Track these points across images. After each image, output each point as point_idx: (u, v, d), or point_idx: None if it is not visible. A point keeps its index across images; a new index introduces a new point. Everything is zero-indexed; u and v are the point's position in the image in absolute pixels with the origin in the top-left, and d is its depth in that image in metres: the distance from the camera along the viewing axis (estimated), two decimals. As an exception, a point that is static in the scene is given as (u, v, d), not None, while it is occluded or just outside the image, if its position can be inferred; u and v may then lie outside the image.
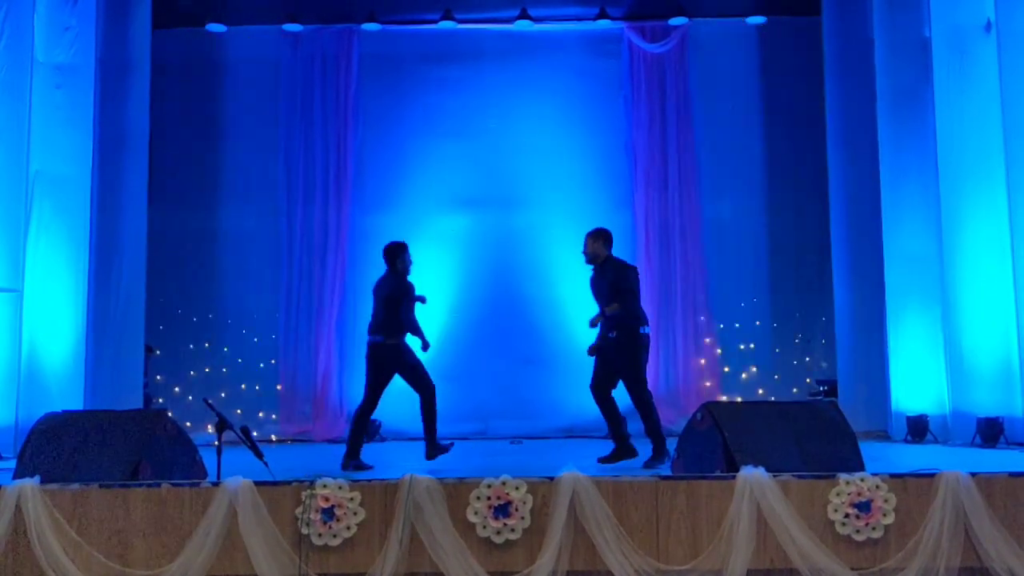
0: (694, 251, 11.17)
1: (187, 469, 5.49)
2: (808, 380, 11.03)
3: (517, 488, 4.79)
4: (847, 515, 4.77)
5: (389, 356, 7.20)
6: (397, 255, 7.38)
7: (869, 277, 9.96)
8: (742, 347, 11.20)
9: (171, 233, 11.29)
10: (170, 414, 5.72)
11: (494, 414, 10.64)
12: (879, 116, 9.77)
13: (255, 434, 6.43)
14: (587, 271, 7.28)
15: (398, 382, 7.34)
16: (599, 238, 7.23)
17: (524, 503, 4.77)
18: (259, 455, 5.49)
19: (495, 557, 4.76)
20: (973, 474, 4.84)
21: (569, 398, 9.53)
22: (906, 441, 9.12)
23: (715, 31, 11.54)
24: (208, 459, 5.63)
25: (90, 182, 9.39)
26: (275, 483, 4.88)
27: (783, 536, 4.74)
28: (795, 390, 11.05)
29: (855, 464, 5.22)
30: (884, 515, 4.76)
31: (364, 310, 11.03)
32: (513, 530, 4.75)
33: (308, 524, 4.72)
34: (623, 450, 6.88)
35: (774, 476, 4.85)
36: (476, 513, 4.77)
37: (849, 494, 4.78)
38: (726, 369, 11.14)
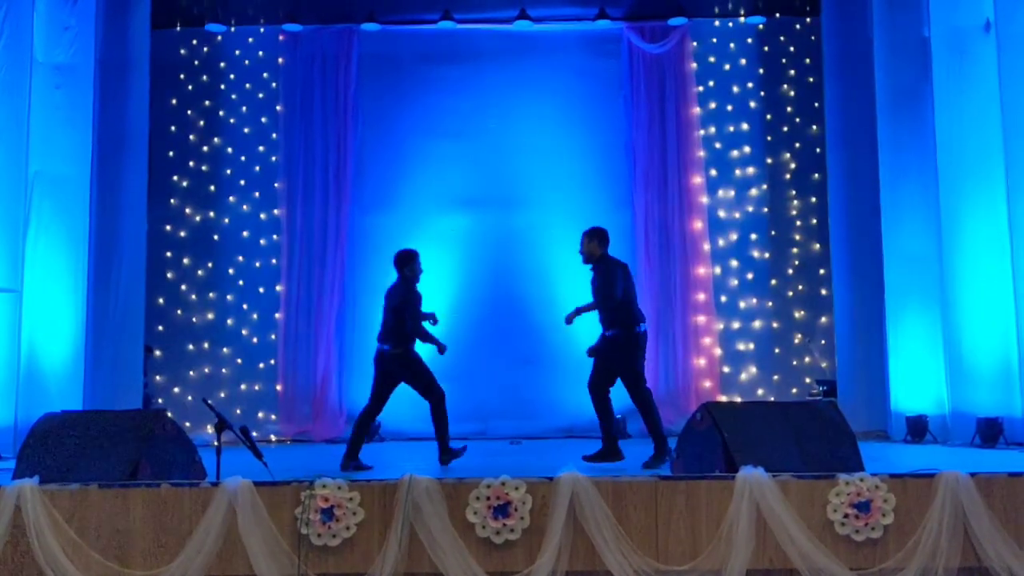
0: (693, 251, 11.17)
1: (186, 469, 5.49)
2: (807, 380, 11.03)
3: (516, 488, 4.79)
4: (846, 515, 4.77)
5: (396, 364, 7.23)
6: (406, 263, 7.38)
7: (869, 277, 9.97)
8: (742, 347, 11.21)
9: (170, 233, 11.31)
10: (169, 414, 5.72)
11: (494, 414, 10.64)
12: (879, 116, 9.77)
13: (254, 434, 6.44)
14: (586, 271, 7.29)
15: (402, 385, 7.35)
16: (595, 237, 7.23)
17: (523, 503, 4.77)
18: (258, 455, 5.48)
19: (494, 557, 4.76)
20: (972, 474, 4.84)
21: (569, 398, 9.53)
22: (905, 441, 9.12)
23: (715, 31, 11.57)
24: (207, 459, 5.63)
25: (89, 182, 9.40)
26: (274, 483, 4.87)
27: (782, 536, 4.74)
28: (794, 390, 11.06)
29: (854, 464, 5.21)
30: (883, 515, 4.76)
31: (364, 310, 11.13)
32: (512, 530, 4.75)
33: (307, 524, 4.72)
34: (610, 451, 6.88)
35: (773, 476, 4.85)
36: (475, 513, 4.76)
37: (848, 494, 4.78)
38: (725, 369, 11.15)
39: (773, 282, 11.28)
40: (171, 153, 11.39)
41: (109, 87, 9.90)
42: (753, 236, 11.34)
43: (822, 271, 11.08)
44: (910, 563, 4.73)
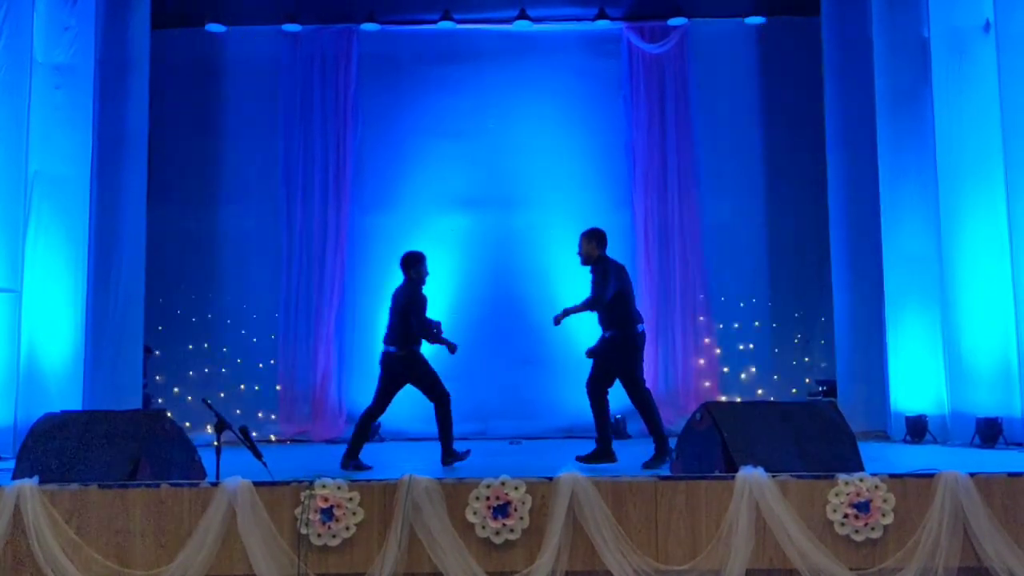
0: (693, 251, 11.18)
1: (186, 469, 5.50)
2: (807, 380, 11.04)
3: (516, 488, 4.79)
4: (846, 515, 4.77)
5: (401, 366, 7.25)
6: (412, 265, 7.41)
7: (868, 277, 9.97)
8: (741, 347, 11.20)
9: (170, 233, 11.29)
10: (169, 414, 5.73)
11: (493, 414, 10.64)
12: (878, 116, 9.77)
13: (254, 434, 6.43)
14: (586, 271, 7.29)
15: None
16: (593, 239, 7.24)
17: (523, 503, 4.77)
18: (258, 455, 5.49)
19: (494, 557, 4.77)
20: (972, 474, 4.84)
21: (568, 398, 9.52)
22: (905, 441, 9.12)
23: (714, 31, 11.55)
24: (207, 459, 5.63)
25: (89, 182, 9.40)
26: (274, 483, 4.88)
27: (782, 536, 4.74)
28: (794, 390, 11.06)
29: (854, 464, 5.22)
30: (883, 515, 4.76)
31: (364, 310, 11.15)
32: (512, 530, 4.75)
33: (307, 524, 4.72)
34: (603, 453, 6.88)
35: (773, 476, 4.85)
36: (475, 513, 4.77)
37: (848, 494, 4.78)
38: (725, 369, 11.15)
39: (773, 282, 11.27)
40: (171, 153, 11.37)
41: (109, 87, 9.90)
42: (753, 236, 11.33)
43: (822, 271, 11.06)
44: (910, 563, 4.74)
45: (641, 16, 11.42)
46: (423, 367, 7.28)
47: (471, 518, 4.77)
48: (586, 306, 7.10)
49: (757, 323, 11.24)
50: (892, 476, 4.88)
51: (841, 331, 10.35)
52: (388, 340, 7.31)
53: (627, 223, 11.19)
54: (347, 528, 4.74)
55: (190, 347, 11.22)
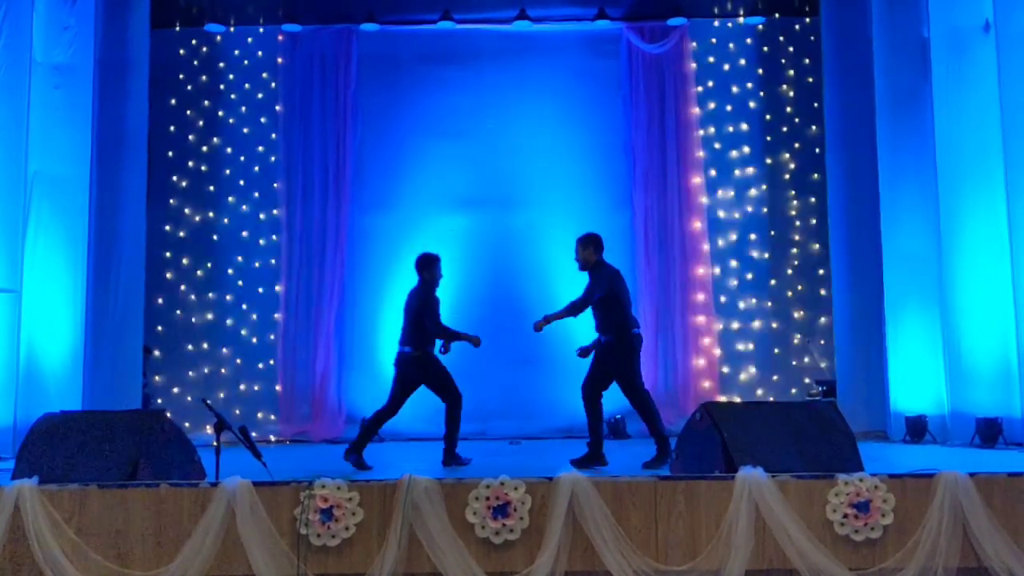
0: (693, 251, 11.17)
1: (185, 469, 5.49)
2: (807, 380, 11.03)
3: (516, 488, 4.79)
4: (846, 515, 4.77)
5: (414, 366, 7.30)
6: (426, 267, 7.47)
7: (868, 277, 9.97)
8: (741, 348, 11.20)
9: (170, 233, 11.31)
10: (169, 415, 5.73)
11: (493, 414, 10.62)
12: (878, 116, 9.78)
13: (254, 435, 6.43)
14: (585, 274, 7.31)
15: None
16: (589, 244, 7.27)
17: (523, 503, 4.77)
18: (257, 455, 5.49)
19: (494, 557, 4.76)
20: (972, 474, 4.84)
21: (568, 398, 9.49)
22: (905, 441, 9.12)
23: (714, 31, 11.57)
24: (207, 459, 5.63)
25: (89, 182, 9.40)
26: (274, 483, 4.87)
27: (782, 536, 4.74)
28: (794, 391, 11.06)
29: (854, 464, 5.22)
30: (883, 515, 4.76)
31: (363, 310, 11.15)
32: (512, 530, 4.75)
33: (306, 524, 4.72)
34: (595, 457, 6.89)
35: (773, 476, 4.85)
36: (475, 513, 4.76)
37: (848, 494, 4.78)
38: (725, 370, 11.15)
39: (772, 282, 11.29)
40: (170, 153, 11.39)
41: (108, 87, 9.90)
42: (752, 236, 11.35)
43: (821, 271, 11.09)
44: (909, 563, 4.74)
45: (641, 16, 11.43)
46: (437, 368, 7.33)
47: (471, 518, 4.77)
48: (567, 312, 7.15)
49: (757, 323, 11.24)
50: (892, 476, 4.88)
51: (841, 331, 10.35)
52: (403, 341, 7.37)
53: (627, 223, 11.19)
54: (346, 528, 4.74)
55: (190, 347, 11.22)
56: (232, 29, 11.55)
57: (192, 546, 4.71)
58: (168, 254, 11.27)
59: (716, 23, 11.57)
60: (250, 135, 11.47)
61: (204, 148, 11.48)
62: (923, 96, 9.38)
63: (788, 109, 11.44)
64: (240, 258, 11.35)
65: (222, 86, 11.53)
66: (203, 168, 11.46)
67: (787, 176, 11.41)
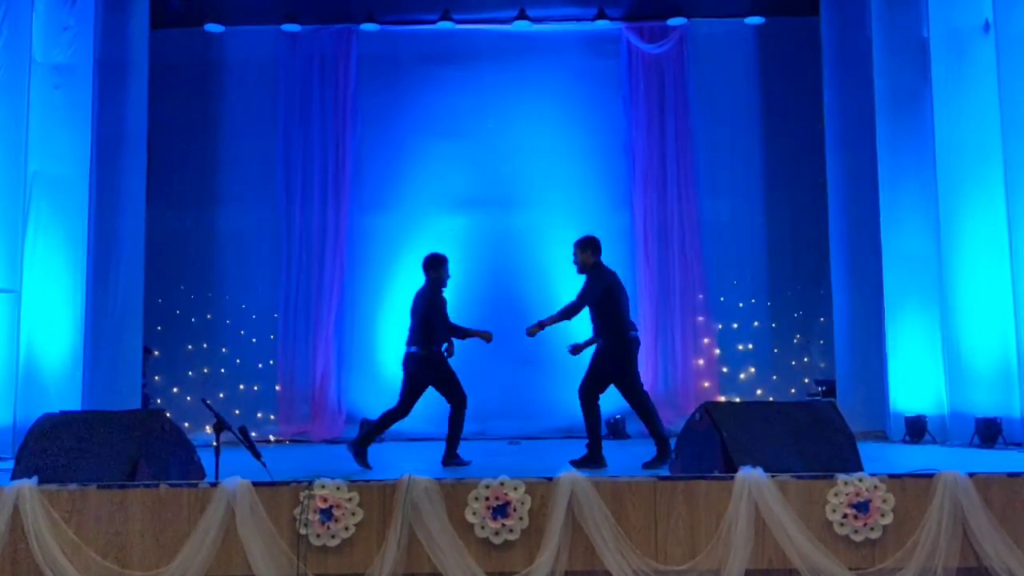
0: (693, 251, 11.17)
1: (185, 469, 5.49)
2: (806, 380, 11.04)
3: (515, 488, 4.79)
4: (845, 515, 4.77)
5: (420, 366, 7.31)
6: (432, 267, 7.51)
7: (868, 277, 9.97)
8: (741, 347, 11.20)
9: (169, 233, 11.29)
10: (168, 415, 5.73)
11: (492, 414, 10.62)
12: (877, 116, 9.78)
13: (253, 435, 6.43)
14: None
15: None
16: (588, 247, 7.28)
17: (522, 503, 4.76)
18: (257, 456, 5.49)
19: (493, 557, 4.76)
20: (971, 474, 4.84)
21: (567, 399, 9.46)
22: (904, 441, 9.12)
23: (713, 31, 11.55)
24: (206, 460, 5.63)
25: (88, 182, 9.39)
26: (273, 484, 4.87)
27: (781, 536, 4.74)
28: (793, 390, 11.05)
29: (853, 464, 5.21)
30: (882, 515, 4.76)
31: (363, 310, 11.15)
32: (511, 531, 4.75)
33: (306, 525, 4.72)
34: (594, 458, 6.89)
35: (772, 476, 4.85)
36: (474, 513, 4.76)
37: (847, 494, 4.78)
38: (725, 369, 11.15)
39: (772, 282, 11.28)
40: (170, 153, 11.36)
41: (108, 87, 9.90)
42: (752, 236, 11.34)
43: (821, 271, 11.07)
44: (909, 563, 4.74)
45: (640, 16, 11.42)
46: (444, 369, 7.35)
47: (470, 518, 4.76)
48: (560, 317, 7.17)
49: (756, 323, 11.24)
50: (891, 476, 4.87)
51: (840, 331, 10.35)
52: (409, 342, 7.39)
53: (626, 223, 11.19)
54: (346, 528, 4.74)
55: (189, 347, 11.22)
56: (231, 29, 11.54)
57: (192, 546, 4.71)
58: (168, 254, 11.25)
59: (716, 23, 11.55)
60: (249, 135, 11.45)
61: (203, 148, 11.46)
62: (923, 96, 9.38)
63: (787, 109, 11.42)
64: (239, 258, 11.34)
65: (221, 86, 11.51)
66: (202, 168, 11.44)
67: (787, 176, 11.40)
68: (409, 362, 7.35)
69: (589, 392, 7.06)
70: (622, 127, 11.39)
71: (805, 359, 11.16)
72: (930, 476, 4.86)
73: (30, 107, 8.75)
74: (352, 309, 11.13)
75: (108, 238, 9.85)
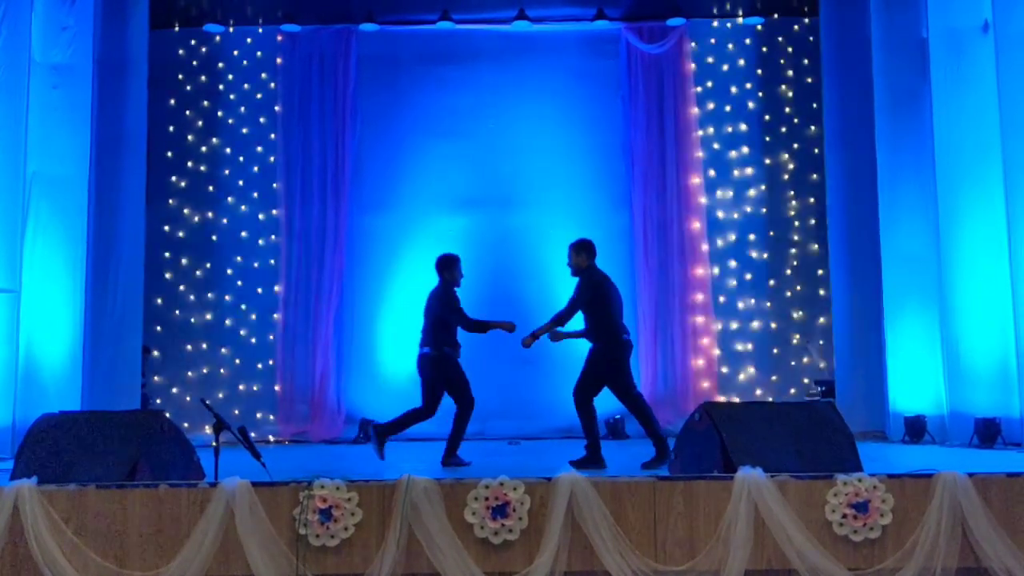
0: (692, 252, 11.17)
1: (184, 470, 5.49)
2: (806, 381, 11.04)
3: (515, 489, 4.79)
4: (844, 515, 4.77)
5: (431, 366, 7.37)
6: (446, 267, 7.57)
7: (867, 277, 9.97)
8: (740, 348, 11.20)
9: (169, 233, 11.30)
10: (168, 415, 5.73)
11: (492, 414, 10.57)
12: (877, 116, 9.78)
13: (253, 435, 6.43)
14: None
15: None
16: (582, 250, 7.31)
17: (522, 504, 4.76)
18: (257, 456, 5.49)
19: (493, 558, 4.76)
20: (970, 474, 4.84)
21: (567, 399, 9.48)
22: (904, 442, 9.12)
23: (713, 32, 11.57)
24: (206, 460, 5.63)
25: (88, 182, 9.39)
26: (273, 484, 4.87)
27: (781, 536, 4.74)
28: (793, 391, 11.06)
29: (853, 464, 5.22)
30: (881, 515, 4.76)
31: (362, 310, 11.15)
32: (511, 531, 4.75)
33: (305, 525, 4.72)
34: (593, 460, 6.91)
35: (772, 476, 4.85)
36: (474, 514, 4.76)
37: (847, 494, 4.78)
38: (724, 370, 11.15)
39: (771, 282, 11.29)
40: (169, 153, 11.38)
41: (107, 87, 9.89)
42: (751, 237, 11.35)
43: (820, 271, 11.09)
44: (908, 563, 4.74)
45: (640, 16, 11.42)
46: (455, 370, 7.39)
47: (470, 518, 4.76)
48: (553, 323, 7.21)
49: (756, 324, 11.24)
50: (891, 476, 4.88)
51: (840, 331, 10.35)
52: (422, 342, 7.46)
53: (626, 223, 11.20)
54: (345, 528, 4.74)
55: (188, 348, 11.22)
56: (231, 29, 11.55)
57: (191, 546, 4.71)
58: (167, 254, 11.27)
59: (715, 23, 11.57)
60: (249, 135, 11.46)
61: (203, 148, 11.48)
62: (922, 96, 9.38)
63: (787, 109, 11.45)
64: (239, 258, 11.35)
65: (221, 86, 11.53)
66: (202, 168, 11.45)
67: (786, 176, 11.41)
68: (422, 363, 7.41)
69: (583, 394, 7.09)
70: (621, 127, 11.39)
71: (804, 359, 11.17)
72: (929, 476, 4.86)
73: (29, 107, 8.75)
74: (351, 309, 11.13)
75: (108, 238, 9.84)
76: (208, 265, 11.34)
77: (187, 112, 11.47)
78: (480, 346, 10.71)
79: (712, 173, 11.39)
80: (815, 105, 11.07)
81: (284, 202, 11.28)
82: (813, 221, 11.24)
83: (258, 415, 10.97)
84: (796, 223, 11.35)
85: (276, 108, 11.42)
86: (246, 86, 11.52)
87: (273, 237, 11.32)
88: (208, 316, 11.27)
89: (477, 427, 10.31)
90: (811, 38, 11.29)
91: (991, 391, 8.38)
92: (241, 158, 11.44)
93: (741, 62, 11.53)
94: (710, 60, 11.51)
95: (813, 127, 11.24)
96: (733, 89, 11.48)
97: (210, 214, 11.39)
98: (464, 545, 4.75)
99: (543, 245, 10.92)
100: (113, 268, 9.90)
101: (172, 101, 11.42)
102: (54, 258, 9.01)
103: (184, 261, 11.32)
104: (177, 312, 11.26)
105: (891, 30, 9.74)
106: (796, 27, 11.51)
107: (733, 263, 11.30)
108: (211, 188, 11.42)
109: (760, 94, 11.48)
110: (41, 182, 8.92)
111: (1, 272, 8.44)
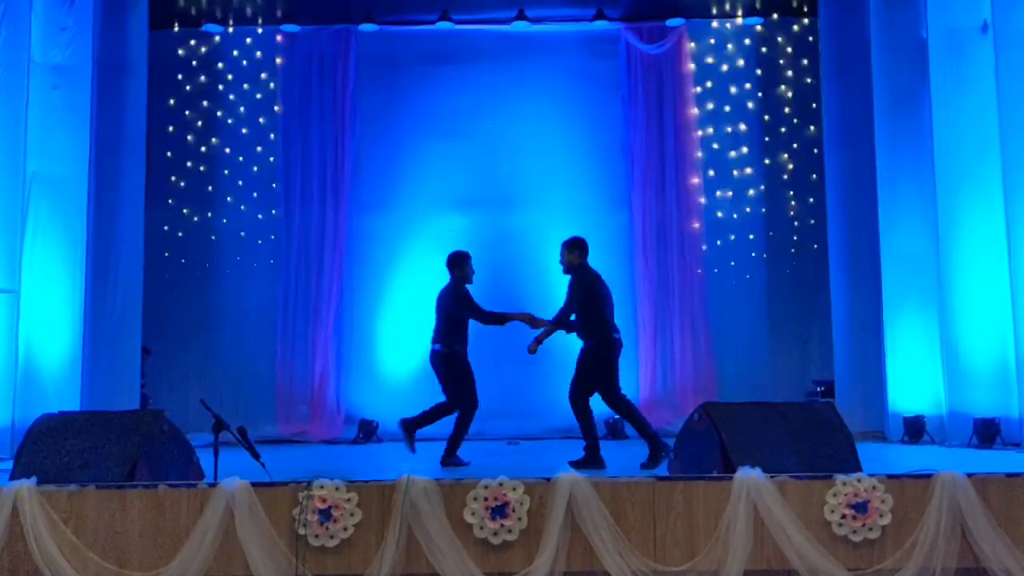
0: (691, 252, 11.18)
1: (184, 470, 5.49)
2: (805, 381, 11.03)
3: (514, 489, 4.78)
4: (844, 516, 4.77)
5: (441, 362, 7.40)
6: (457, 264, 7.58)
7: (866, 277, 9.98)
8: (739, 348, 11.20)
9: (168, 234, 11.30)
10: (167, 415, 5.72)
11: (491, 415, 10.52)
12: (876, 117, 9.79)
13: (252, 435, 6.43)
14: None
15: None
16: (575, 248, 7.33)
17: (521, 504, 4.76)
18: (256, 456, 5.48)
19: (492, 558, 4.76)
20: (970, 475, 4.84)
21: (566, 399, 9.54)
22: (903, 442, 9.13)
23: (712, 32, 11.57)
24: (205, 460, 5.63)
25: (87, 183, 9.39)
26: (272, 484, 4.87)
27: (780, 537, 4.74)
28: (792, 391, 11.05)
29: (852, 465, 5.21)
30: (881, 516, 4.76)
31: (361, 310, 11.15)
32: (510, 531, 4.75)
33: (305, 525, 4.72)
34: (592, 460, 6.91)
35: (771, 477, 4.85)
36: (473, 514, 4.76)
37: (846, 495, 4.78)
38: (723, 370, 11.14)
39: (771, 283, 11.28)
40: (169, 154, 11.38)
41: (107, 88, 9.89)
42: (751, 237, 11.35)
43: (820, 272, 11.08)
44: (907, 563, 4.74)
45: (639, 17, 11.43)
46: (463, 369, 7.41)
47: (469, 519, 4.76)
48: (554, 327, 7.23)
49: (755, 324, 11.24)
50: (890, 476, 4.87)
51: (839, 332, 10.35)
52: (434, 339, 7.49)
53: (625, 223, 11.20)
54: (345, 529, 4.74)
55: (188, 347, 11.21)
56: (230, 30, 11.55)
57: (190, 547, 4.71)
58: (167, 254, 11.27)
59: (714, 24, 11.56)
60: (249, 135, 11.46)
61: (202, 148, 11.48)
62: (921, 97, 9.38)
63: (786, 110, 11.45)
64: (239, 258, 11.35)
65: (220, 87, 11.52)
66: (201, 168, 11.45)
67: (785, 177, 11.42)
68: (434, 360, 7.45)
69: (579, 396, 7.10)
70: (621, 127, 11.39)
71: (804, 359, 11.16)
72: (928, 476, 4.86)
73: (29, 108, 8.75)
74: (351, 309, 11.13)
75: (107, 238, 9.84)
76: (207, 265, 11.34)
77: (186, 112, 11.47)
78: (480, 346, 10.71)
79: (711, 173, 11.39)
80: (814, 105, 11.07)
81: (283, 202, 11.28)
82: (813, 221, 11.24)
83: (257, 415, 10.95)
84: (796, 223, 11.36)
85: (275, 108, 11.42)
86: (245, 86, 11.52)
87: (272, 237, 11.32)
88: (207, 316, 11.26)
89: (477, 427, 10.31)
90: (811, 38, 11.29)
91: (990, 391, 8.39)
92: (240, 158, 11.44)
93: (740, 62, 11.54)
94: (709, 60, 11.51)
95: (812, 127, 11.24)
96: (732, 89, 11.48)
97: (209, 214, 11.39)
98: (463, 545, 4.74)
99: (543, 245, 10.87)
100: (112, 268, 9.90)
101: (171, 101, 11.42)
102: (53, 258, 9.01)
103: (183, 261, 11.32)
104: (176, 312, 11.24)
105: (891, 30, 9.74)
106: (795, 27, 11.52)
107: (732, 263, 11.30)
108: (210, 188, 11.41)
109: (759, 94, 11.48)
110: (40, 182, 8.92)
111: (0, 272, 8.43)
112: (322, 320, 11.03)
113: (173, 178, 11.39)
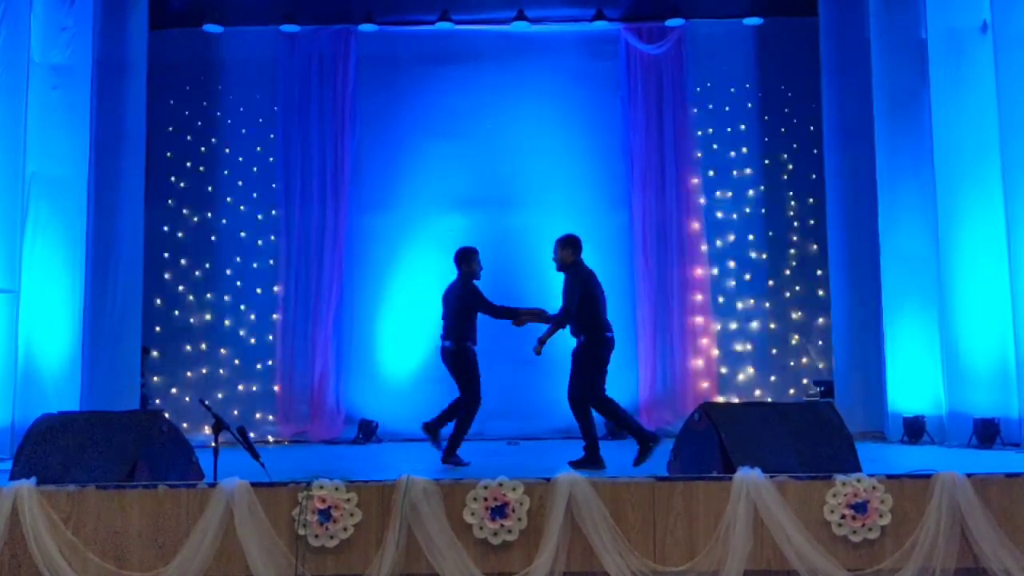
0: (691, 252, 11.18)
1: (184, 470, 5.49)
2: (805, 381, 11.04)
3: (514, 489, 4.79)
4: (843, 516, 4.77)
5: (449, 358, 7.39)
6: (464, 260, 7.57)
7: (866, 278, 9.98)
8: (739, 348, 11.21)
9: (168, 234, 11.30)
10: (167, 415, 5.73)
11: (491, 415, 10.50)
12: (876, 117, 9.79)
13: (252, 435, 6.43)
14: None
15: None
16: (568, 245, 7.32)
17: (521, 504, 4.76)
18: (256, 456, 5.48)
19: (492, 558, 4.76)
20: (969, 475, 4.84)
21: (566, 399, 9.54)
22: (902, 442, 9.13)
23: (712, 32, 11.56)
24: (205, 460, 5.63)
25: (87, 183, 9.40)
26: (272, 484, 4.87)
27: (780, 537, 4.74)
28: (792, 391, 11.06)
29: (851, 465, 5.21)
30: (880, 516, 4.76)
31: (361, 310, 11.15)
32: (510, 531, 4.75)
33: (305, 525, 4.72)
34: (592, 460, 6.91)
35: (771, 477, 4.85)
36: (473, 514, 4.76)
37: (845, 495, 4.78)
38: (723, 370, 11.15)
39: (770, 283, 11.29)
40: (168, 154, 11.38)
41: (106, 88, 9.90)
42: (751, 237, 11.36)
43: (819, 272, 11.09)
44: (907, 564, 4.74)
45: (639, 17, 11.43)
46: (470, 366, 7.40)
47: (469, 519, 4.76)
48: (556, 326, 7.21)
49: (755, 324, 11.24)
50: (889, 477, 4.88)
51: (839, 332, 10.36)
52: (443, 335, 7.48)
53: (625, 223, 11.20)
54: (345, 529, 4.74)
55: (188, 348, 11.21)
56: (230, 29, 11.54)
57: (190, 547, 4.71)
58: (166, 254, 11.27)
59: (714, 24, 11.55)
60: (248, 135, 11.46)
61: (202, 148, 11.48)
62: (921, 97, 9.39)
63: (786, 110, 11.45)
64: (238, 258, 11.35)
65: (220, 87, 11.52)
66: (201, 168, 11.45)
67: (785, 177, 11.42)
68: (444, 356, 7.45)
69: (578, 395, 7.07)
70: (620, 127, 11.39)
71: (803, 359, 11.17)
72: (928, 477, 4.86)
73: (28, 108, 8.75)
74: (351, 309, 11.13)
75: (107, 238, 9.85)
76: (207, 265, 11.34)
77: (186, 112, 11.47)
78: (479, 346, 10.73)
79: (711, 173, 11.40)
80: (814, 105, 11.07)
81: (283, 202, 11.28)
82: (812, 221, 11.24)
83: (257, 415, 10.97)
84: (795, 223, 11.36)
85: (275, 108, 11.42)
86: (245, 87, 11.51)
87: (272, 237, 11.32)
88: (207, 316, 11.27)
89: (476, 427, 10.30)
90: (810, 38, 11.27)
91: (990, 391, 8.39)
92: (240, 158, 11.44)
93: (740, 62, 11.53)
94: (709, 61, 11.50)
95: (812, 127, 11.23)
96: (732, 89, 11.49)
97: (209, 214, 11.39)
98: (463, 545, 4.74)
99: (542, 245, 10.80)
100: (112, 268, 9.91)
101: (171, 101, 11.41)
102: (53, 258, 9.01)
103: (183, 261, 11.32)
104: (176, 312, 11.25)
105: (890, 30, 9.74)
106: (795, 27, 11.49)
107: (732, 263, 11.30)
108: (210, 188, 11.41)
109: (759, 94, 11.48)
110: (40, 182, 8.92)
111: (0, 272, 8.43)
112: (322, 320, 11.03)
113: (173, 178, 11.39)
